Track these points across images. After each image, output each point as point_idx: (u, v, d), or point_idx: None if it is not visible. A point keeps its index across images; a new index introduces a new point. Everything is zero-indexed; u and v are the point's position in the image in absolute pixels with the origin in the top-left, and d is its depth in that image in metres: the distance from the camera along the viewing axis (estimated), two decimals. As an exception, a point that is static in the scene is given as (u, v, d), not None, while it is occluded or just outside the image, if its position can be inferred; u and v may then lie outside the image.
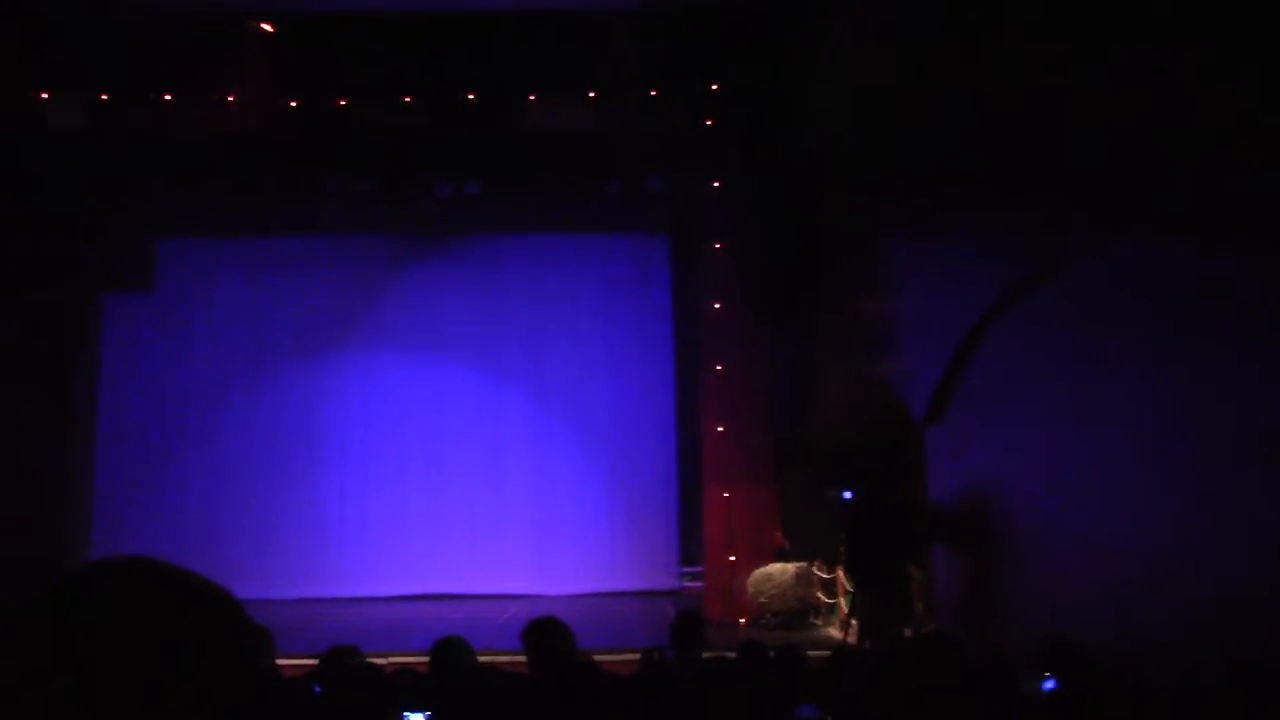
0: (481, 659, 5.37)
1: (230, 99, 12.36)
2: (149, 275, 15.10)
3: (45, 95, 12.06)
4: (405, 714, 3.91)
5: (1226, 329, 5.33)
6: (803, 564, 11.84)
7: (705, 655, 5.65)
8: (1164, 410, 5.93)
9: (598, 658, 6.85)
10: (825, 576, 11.82)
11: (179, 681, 0.84)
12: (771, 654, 5.55)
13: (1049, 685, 3.98)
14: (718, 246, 13.04)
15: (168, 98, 12.28)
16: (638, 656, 6.40)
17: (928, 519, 9.40)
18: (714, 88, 12.61)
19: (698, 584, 13.86)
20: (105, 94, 12.17)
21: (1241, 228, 5.18)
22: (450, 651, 4.69)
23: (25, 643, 0.83)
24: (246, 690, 0.89)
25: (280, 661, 5.56)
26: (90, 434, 14.30)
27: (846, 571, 10.91)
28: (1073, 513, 7.04)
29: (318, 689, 4.02)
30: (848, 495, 10.04)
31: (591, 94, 12.55)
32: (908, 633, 9.06)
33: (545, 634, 4.54)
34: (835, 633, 10.92)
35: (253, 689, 0.90)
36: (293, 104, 12.51)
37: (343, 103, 12.59)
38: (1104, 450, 6.60)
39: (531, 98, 12.60)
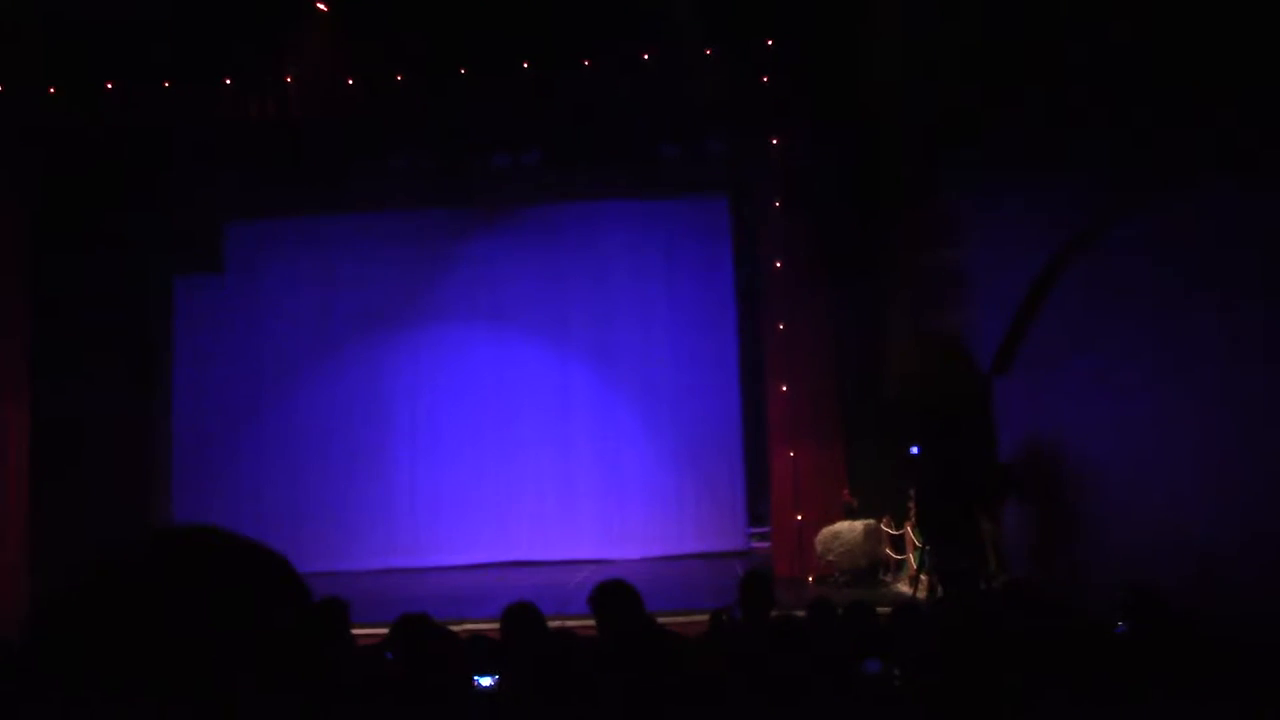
0: (552, 624, 5.45)
1: (289, 81, 12.50)
2: (218, 257, 15.45)
3: (110, 85, 12.30)
4: (475, 678, 3.99)
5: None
6: (870, 521, 11.79)
7: (774, 614, 5.66)
8: (1239, 363, 5.78)
9: (667, 620, 6.92)
10: (893, 533, 11.75)
11: (242, 651, 0.85)
12: (840, 611, 5.54)
13: (1119, 629, 3.93)
14: (777, 205, 12.92)
15: (228, 82, 12.44)
16: (707, 618, 6.44)
17: (998, 472, 9.28)
18: (769, 44, 12.43)
19: (765, 544, 13.88)
20: (167, 81, 12.37)
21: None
22: (520, 617, 4.76)
23: (91, 608, 0.85)
24: (310, 662, 0.90)
25: (355, 631, 5.67)
26: (167, 412, 14.74)
27: (916, 526, 10.84)
28: (1147, 465, 6.90)
29: (389, 655, 4.11)
30: (915, 450, 9.95)
31: (645, 55, 12.45)
32: (983, 585, 8.99)
33: (613, 597, 4.59)
34: (905, 588, 10.86)
35: (316, 661, 0.91)
36: (350, 82, 12.61)
37: (399, 78, 12.66)
38: (1176, 403, 6.45)
39: (586, 62, 12.54)
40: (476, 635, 5.68)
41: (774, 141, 12.91)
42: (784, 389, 12.72)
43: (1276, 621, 5.14)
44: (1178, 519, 6.48)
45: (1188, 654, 3.69)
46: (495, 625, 4.90)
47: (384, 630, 5.74)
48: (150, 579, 0.86)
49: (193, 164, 13.47)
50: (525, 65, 12.47)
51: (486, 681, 3.97)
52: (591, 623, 4.78)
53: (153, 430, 14.26)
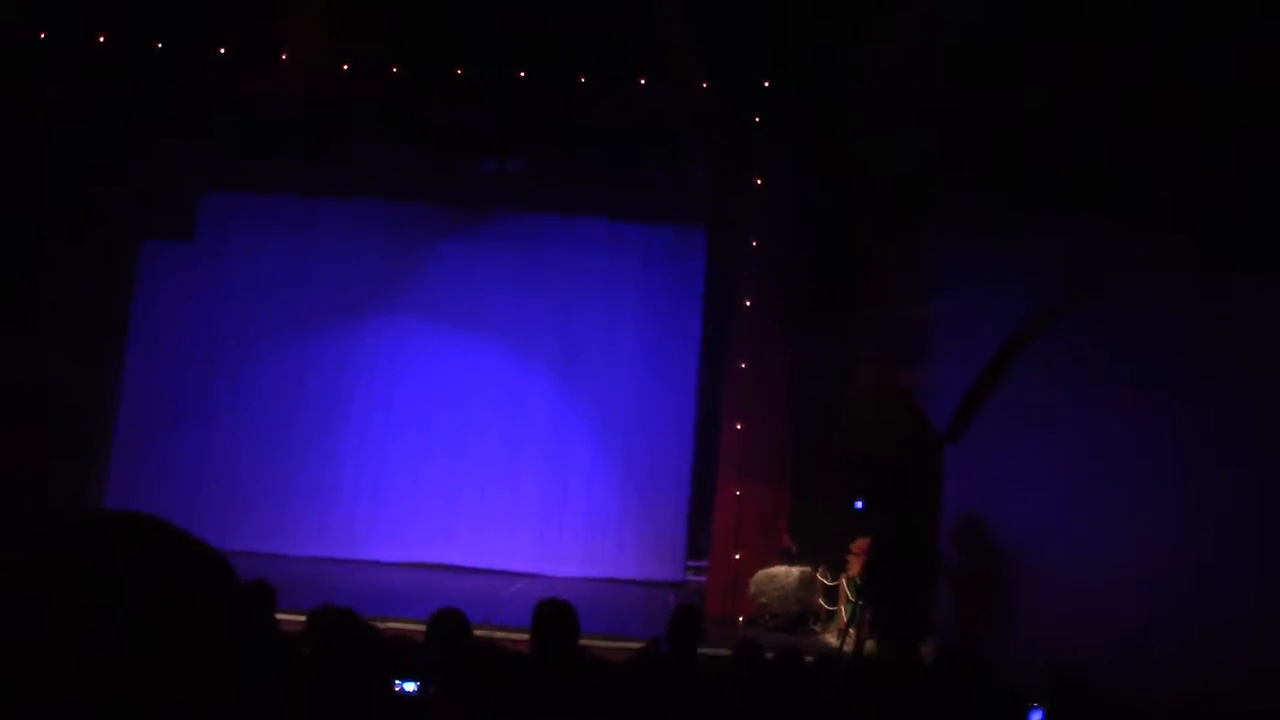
0: (478, 633, 5.41)
1: (283, 57, 12.43)
2: (189, 225, 15.25)
3: (102, 38, 12.15)
4: (397, 683, 3.95)
5: (1257, 362, 5.27)
6: (807, 568, 11.83)
7: (701, 651, 5.66)
8: (1192, 444, 5.87)
9: (595, 644, 6.90)
10: (828, 584, 11.80)
11: (165, 642, 0.84)
12: (769, 656, 5.55)
13: (1037, 716, 3.97)
14: (754, 244, 13.00)
15: (222, 51, 12.35)
16: (635, 646, 6.43)
17: (935, 557, 9.35)
18: (765, 85, 12.55)
19: (701, 578, 13.88)
20: (159, 43, 12.26)
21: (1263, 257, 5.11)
22: (446, 624, 4.73)
23: (8, 593, 0.84)
24: (233, 655, 0.88)
25: (280, 616, 5.61)
26: (116, 381, 14.50)
27: (853, 581, 10.88)
28: (1083, 548, 6.99)
29: (307, 651, 4.06)
30: (859, 505, 10.01)
31: (642, 80, 12.53)
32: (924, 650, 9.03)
33: (556, 615, 4.58)
34: (833, 640, 10.91)
35: (239, 655, 0.89)
36: (345, 67, 12.57)
37: (394, 70, 12.63)
38: (1121, 482, 6.55)
39: (582, 80, 12.59)
40: (400, 635, 5.63)
41: (758, 181, 13.01)
42: (738, 427, 12.76)
43: (1201, 708, 5.21)
44: (1110, 604, 6.55)
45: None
46: (421, 627, 4.87)
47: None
48: (71, 567, 0.84)
49: (173, 129, 13.30)
50: (521, 74, 12.51)
51: (410, 687, 3.93)
52: (518, 636, 4.75)
53: (100, 399, 14.00)
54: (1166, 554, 6.02)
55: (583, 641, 4.82)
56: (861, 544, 10.84)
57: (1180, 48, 5.96)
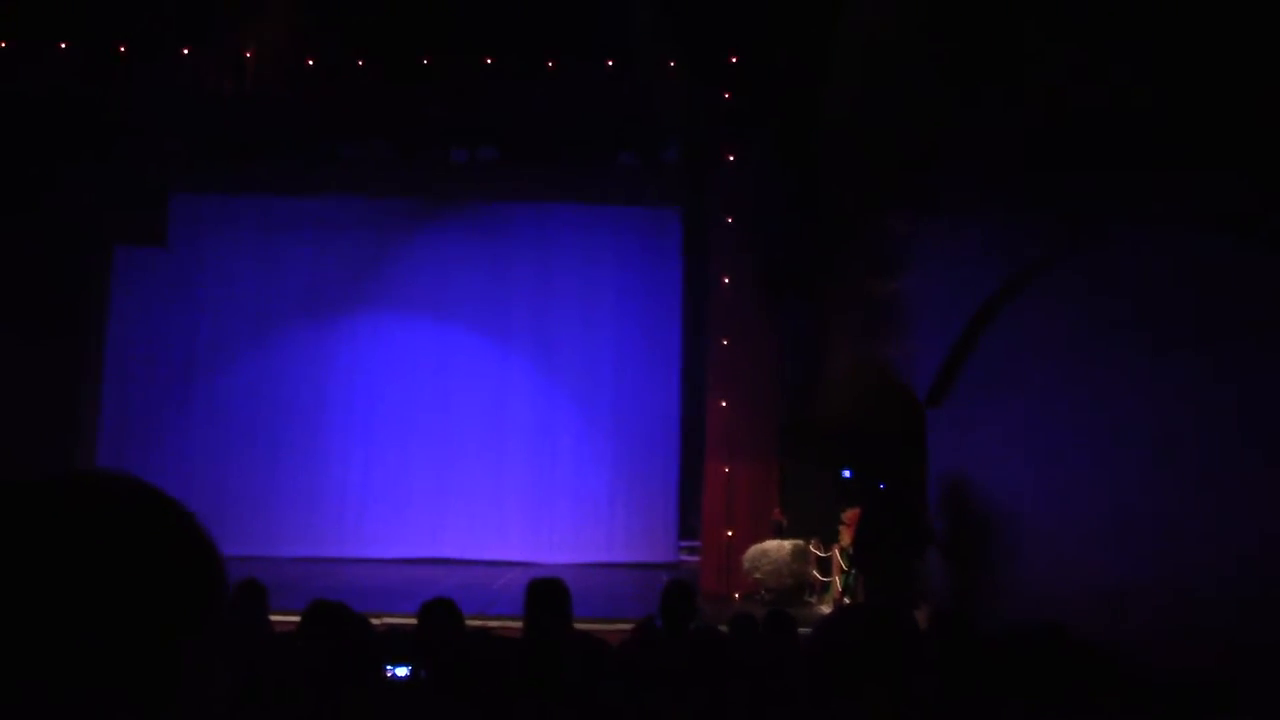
0: (472, 623, 5.41)
1: (248, 55, 12.32)
2: (163, 230, 15.16)
3: (64, 45, 12.04)
4: (388, 668, 3.95)
5: (1233, 318, 5.30)
6: (799, 541, 11.88)
7: (695, 626, 5.67)
8: (1165, 401, 5.91)
9: (590, 627, 6.90)
10: (821, 554, 11.85)
11: (141, 602, 0.80)
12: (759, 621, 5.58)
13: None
14: (729, 221, 13.00)
15: (186, 52, 12.24)
16: (630, 627, 6.43)
17: (924, 529, 9.38)
18: (734, 61, 12.52)
19: (695, 558, 13.91)
20: (123, 46, 12.14)
21: (1252, 215, 5.14)
22: (438, 613, 4.73)
23: None
24: (210, 616, 0.85)
25: (272, 617, 5.59)
26: (95, 384, 14.42)
27: (845, 552, 10.93)
28: (1064, 504, 7.03)
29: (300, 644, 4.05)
30: (846, 474, 10.04)
31: (610, 62, 12.48)
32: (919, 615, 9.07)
33: (548, 591, 4.58)
34: (828, 610, 10.96)
35: (216, 618, 0.86)
36: (310, 63, 12.47)
37: (360, 64, 12.54)
38: (1102, 440, 6.59)
39: (550, 65, 12.53)
40: (392, 628, 5.63)
41: (730, 158, 13.00)
42: (723, 404, 12.79)
43: (1179, 656, 5.26)
44: (1088, 561, 6.60)
45: (1094, 683, 3.76)
46: (413, 620, 4.86)
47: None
48: (52, 522, 0.80)
49: (142, 131, 13.20)
50: (489, 61, 12.44)
51: (401, 672, 3.92)
52: (511, 624, 4.75)
53: (79, 403, 13.92)
54: (1140, 510, 6.07)
55: (577, 625, 4.83)
56: (851, 514, 10.89)
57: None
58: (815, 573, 11.96)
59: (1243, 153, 5.10)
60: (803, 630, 6.51)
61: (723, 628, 5.83)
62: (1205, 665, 5.16)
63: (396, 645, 4.43)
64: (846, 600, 10.28)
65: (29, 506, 0.82)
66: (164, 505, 0.89)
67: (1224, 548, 5.29)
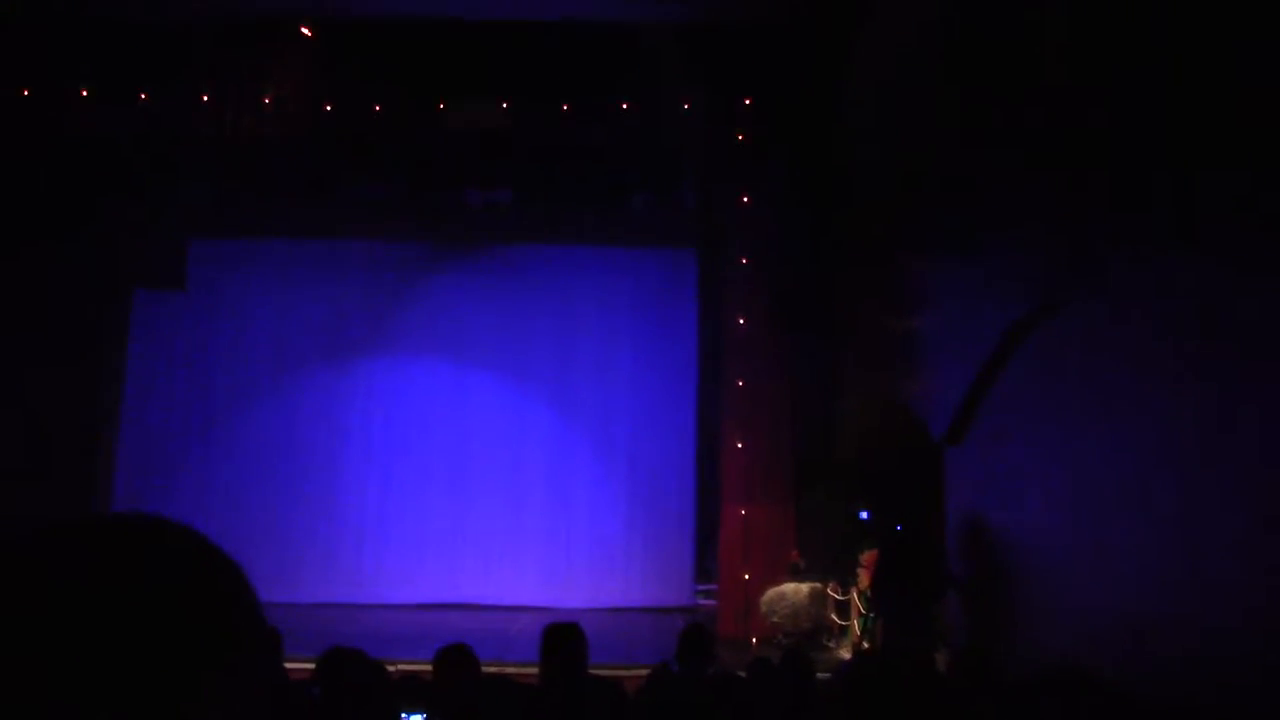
0: (489, 669, 5.35)
1: (267, 101, 12.48)
2: (182, 274, 15.27)
3: (85, 93, 12.23)
4: (405, 716, 3.90)
5: (1249, 356, 5.25)
6: (817, 584, 11.75)
7: (713, 671, 5.60)
8: (1182, 437, 5.85)
9: (608, 672, 6.83)
10: (839, 598, 11.72)
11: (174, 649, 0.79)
12: (776, 663, 5.51)
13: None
14: (744, 261, 13.01)
15: (205, 99, 12.41)
16: (646, 672, 6.35)
17: (944, 575, 9.27)
18: (748, 102, 12.60)
19: (712, 602, 13.78)
20: (145, 93, 12.32)
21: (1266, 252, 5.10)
22: (454, 658, 4.68)
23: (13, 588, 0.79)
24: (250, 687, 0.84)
25: (287, 665, 5.54)
26: (113, 430, 14.47)
27: (863, 594, 10.81)
28: (1089, 542, 6.94)
29: (316, 691, 4.01)
30: (864, 515, 9.95)
31: (625, 105, 12.58)
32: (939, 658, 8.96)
33: (564, 636, 4.54)
34: (847, 655, 10.81)
35: (255, 666, 0.85)
36: (328, 108, 12.61)
37: (377, 109, 12.68)
38: (1119, 476, 6.51)
39: (565, 108, 12.64)
40: (408, 675, 5.57)
41: (744, 199, 13.04)
42: (739, 445, 12.73)
43: (1204, 700, 5.17)
44: (1112, 600, 6.51)
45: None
46: (430, 666, 4.81)
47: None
48: (82, 564, 0.80)
49: (162, 176, 13.36)
50: (504, 105, 12.55)
51: (417, 719, 3.88)
52: (528, 670, 4.71)
53: (97, 448, 13.97)
54: (1165, 548, 5.98)
55: (594, 671, 4.77)
56: (870, 556, 10.77)
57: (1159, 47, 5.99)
58: (834, 616, 11.82)
59: (1244, 189, 5.08)
60: (821, 675, 6.42)
61: (740, 672, 5.75)
62: (1231, 702, 5.07)
63: (412, 692, 4.38)
64: (865, 644, 10.15)
65: (65, 548, 0.82)
66: (206, 550, 0.89)
67: (1248, 582, 5.21)
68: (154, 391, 15.11)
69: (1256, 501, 5.17)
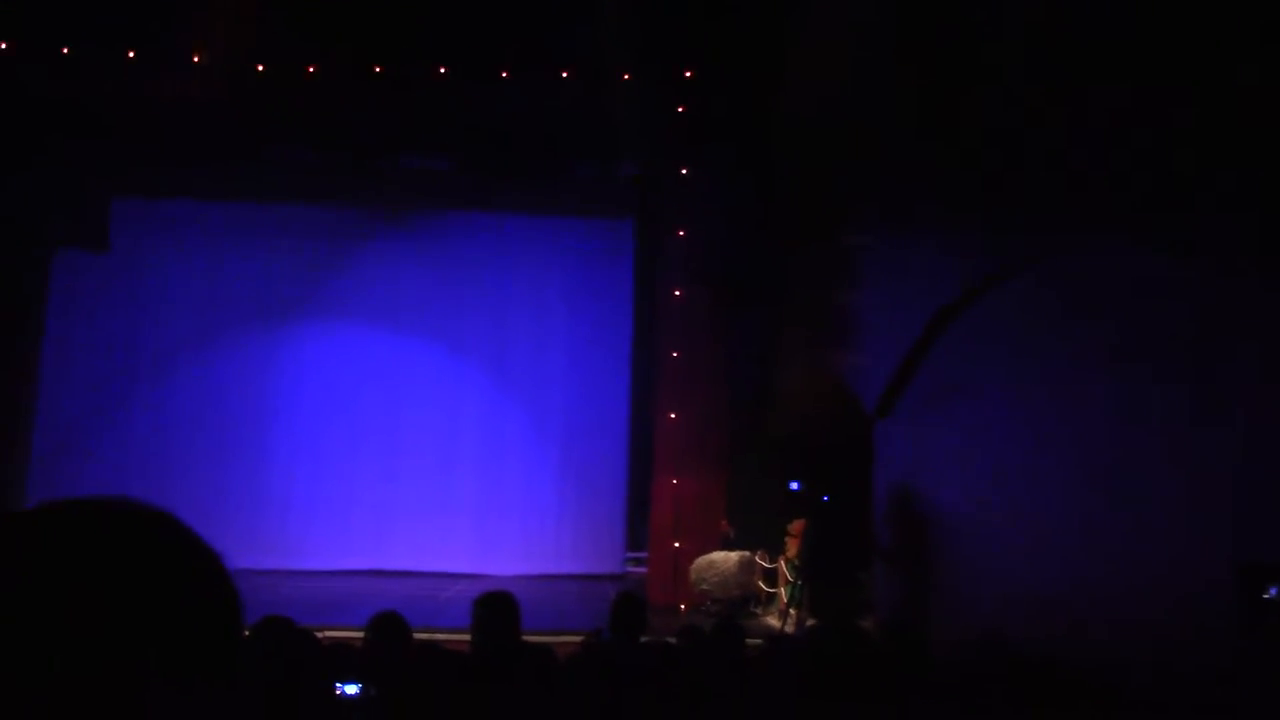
0: (420, 635, 5.36)
1: (195, 59, 12.16)
2: (104, 235, 14.86)
3: (4, 46, 11.80)
4: (338, 685, 3.90)
5: (1165, 336, 5.43)
6: (746, 552, 11.93)
7: (645, 639, 5.67)
8: (1105, 414, 6.03)
9: (539, 639, 6.88)
10: (767, 566, 11.91)
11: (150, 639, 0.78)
12: (707, 632, 5.59)
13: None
14: (681, 234, 13.05)
15: (131, 55, 12.05)
16: (577, 640, 6.42)
17: (872, 543, 9.47)
18: (689, 74, 12.59)
19: (642, 570, 13.91)
20: (66, 48, 11.93)
21: (1189, 234, 5.26)
22: (386, 626, 4.69)
23: None
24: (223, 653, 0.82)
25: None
26: (31, 394, 14.09)
27: (792, 563, 11.00)
28: (1014, 517, 7.14)
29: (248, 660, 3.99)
30: (795, 486, 10.10)
31: (565, 74, 12.49)
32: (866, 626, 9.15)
33: (495, 606, 4.57)
34: (774, 621, 11.01)
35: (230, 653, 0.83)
36: (260, 69, 12.33)
37: (311, 70, 12.42)
38: (1045, 452, 6.70)
39: (504, 75, 12.51)
40: (339, 642, 5.56)
41: (683, 170, 13.05)
42: (673, 416, 12.81)
43: (1129, 669, 5.36)
44: (1038, 573, 6.71)
45: (1033, 689, 3.82)
46: (361, 633, 4.81)
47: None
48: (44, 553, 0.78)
49: (86, 134, 12.96)
50: (442, 70, 12.39)
51: (351, 690, 3.88)
52: (459, 636, 4.73)
53: (15, 413, 13.58)
54: (1089, 522, 6.18)
55: (525, 637, 4.81)
56: (798, 525, 10.97)
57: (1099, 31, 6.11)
58: (762, 584, 12.02)
59: (1182, 181, 5.23)
60: (751, 641, 6.54)
61: (671, 639, 5.84)
62: (1137, 668, 5.27)
63: (344, 660, 4.38)
64: (792, 611, 10.33)
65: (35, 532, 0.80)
66: (181, 535, 0.88)
67: (1150, 557, 5.41)
68: (74, 353, 14.73)
69: (1157, 480, 5.36)
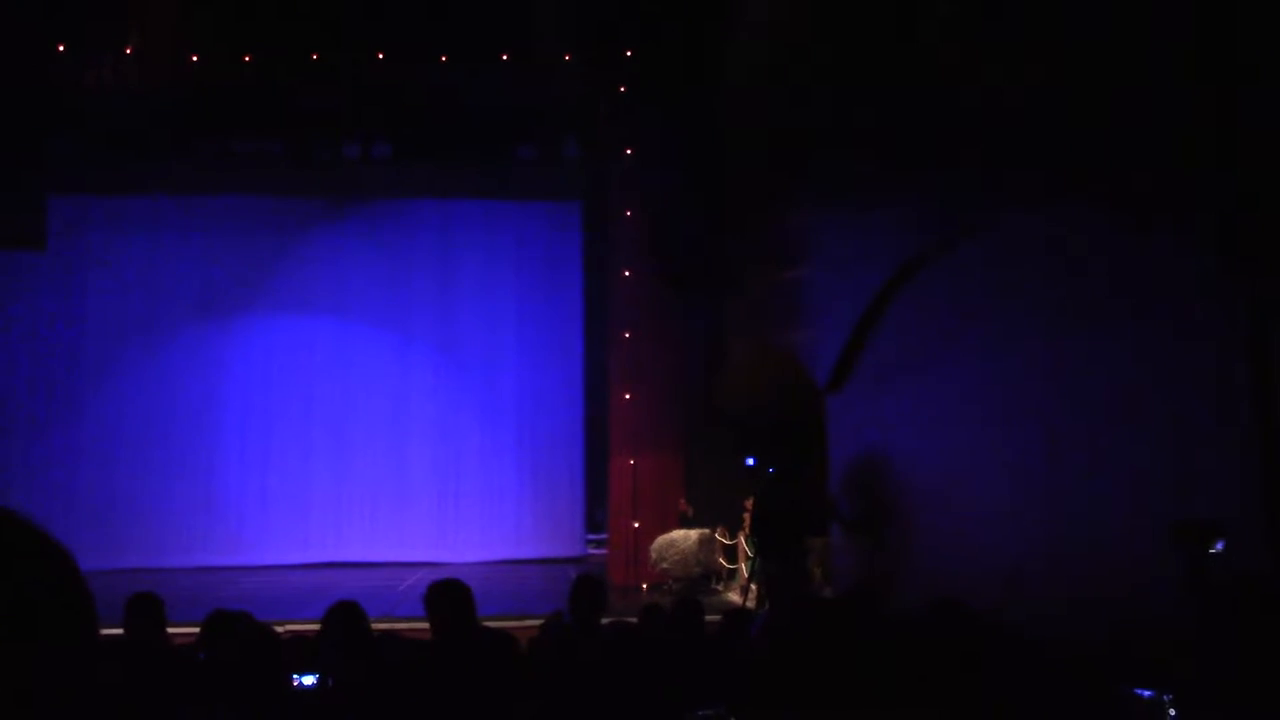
0: (379, 626, 5.33)
1: (128, 51, 11.90)
2: (41, 234, 14.54)
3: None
4: (295, 677, 3.87)
5: (1116, 302, 5.51)
6: (705, 530, 12.00)
7: (606, 620, 5.68)
8: (1054, 383, 6.12)
9: (500, 624, 6.87)
10: (727, 543, 11.99)
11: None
12: (666, 609, 5.61)
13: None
14: (628, 214, 13.04)
15: (62, 49, 11.77)
16: (539, 623, 6.41)
17: (827, 505, 9.55)
18: (629, 54, 12.55)
19: (602, 551, 13.95)
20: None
21: (1133, 199, 5.35)
22: (342, 617, 4.65)
23: None
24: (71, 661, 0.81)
25: (171, 630, 5.42)
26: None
27: (749, 537, 11.08)
28: (964, 485, 7.23)
29: (202, 655, 3.95)
30: (751, 462, 10.16)
31: (504, 56, 12.39)
32: (823, 595, 9.23)
33: (446, 596, 4.54)
34: (735, 597, 11.08)
35: (80, 661, 0.82)
36: (195, 58, 12.10)
37: (248, 59, 12.22)
38: (992, 420, 6.79)
39: (444, 59, 12.39)
40: (297, 635, 5.51)
41: (628, 151, 13.03)
42: (627, 397, 12.83)
43: (1074, 633, 5.46)
44: (990, 539, 6.81)
45: (992, 659, 3.88)
46: (318, 626, 4.77)
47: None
48: None
49: (16, 129, 12.65)
50: (380, 56, 12.24)
51: (309, 680, 3.85)
52: (419, 626, 4.70)
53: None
54: (1040, 486, 6.28)
55: (487, 623, 4.79)
56: (753, 500, 11.04)
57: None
58: (722, 560, 12.09)
59: (1115, 147, 5.31)
60: (711, 618, 6.58)
61: (631, 619, 5.85)
62: (1092, 628, 5.38)
63: (301, 653, 4.34)
64: (753, 586, 10.40)
65: None
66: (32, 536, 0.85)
67: (1107, 526, 5.51)
68: (18, 354, 14.44)
69: (1115, 448, 5.46)
